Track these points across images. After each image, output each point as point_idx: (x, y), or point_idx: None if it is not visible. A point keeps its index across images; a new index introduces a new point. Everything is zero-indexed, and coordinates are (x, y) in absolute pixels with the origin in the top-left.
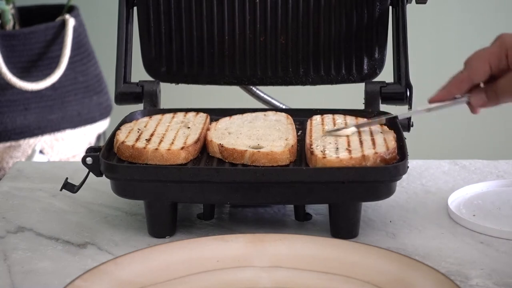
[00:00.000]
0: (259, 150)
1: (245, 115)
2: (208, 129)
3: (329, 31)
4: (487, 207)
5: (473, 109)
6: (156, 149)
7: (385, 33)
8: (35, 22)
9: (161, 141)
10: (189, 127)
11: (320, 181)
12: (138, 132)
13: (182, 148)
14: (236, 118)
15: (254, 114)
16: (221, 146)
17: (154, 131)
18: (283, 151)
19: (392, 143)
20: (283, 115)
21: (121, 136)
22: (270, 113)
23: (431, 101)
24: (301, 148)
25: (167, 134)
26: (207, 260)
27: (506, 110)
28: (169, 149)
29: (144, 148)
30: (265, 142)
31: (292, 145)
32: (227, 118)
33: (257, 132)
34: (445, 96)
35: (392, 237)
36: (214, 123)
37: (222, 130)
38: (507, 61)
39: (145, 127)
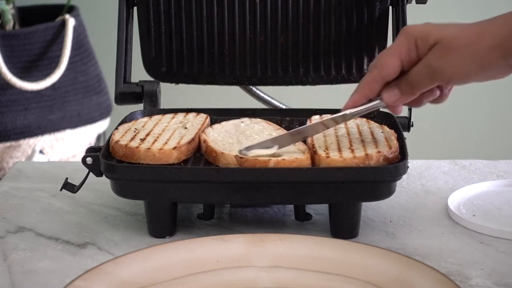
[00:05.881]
0: (283, 158)
1: (242, 124)
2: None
3: (329, 31)
4: (487, 207)
5: (392, 109)
6: (149, 148)
7: (385, 33)
8: (35, 22)
9: (155, 140)
10: (186, 128)
11: (320, 181)
12: (134, 132)
13: (174, 148)
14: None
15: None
16: (238, 157)
17: (151, 131)
18: (306, 157)
19: (394, 142)
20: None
21: (116, 135)
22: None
23: (344, 108)
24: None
25: (162, 134)
26: (207, 260)
27: (506, 110)
28: (161, 149)
29: (137, 147)
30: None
31: (308, 151)
32: (237, 121)
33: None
34: (359, 100)
35: (392, 237)
36: (217, 125)
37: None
38: (416, 50)
39: (143, 127)
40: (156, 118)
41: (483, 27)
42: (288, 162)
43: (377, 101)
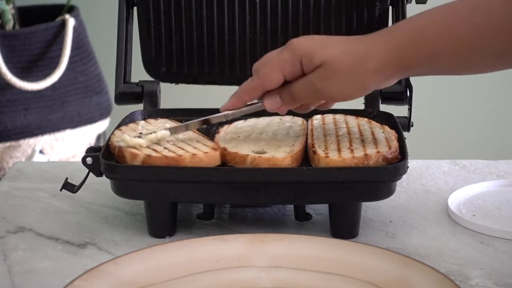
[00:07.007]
0: (260, 155)
1: (261, 118)
2: (217, 132)
3: (329, 31)
4: (487, 207)
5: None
6: (194, 154)
7: None
8: (35, 22)
9: (179, 147)
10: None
11: (320, 181)
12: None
13: (216, 150)
14: (251, 121)
15: (270, 118)
16: (224, 149)
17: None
18: (285, 157)
19: (394, 142)
20: (299, 119)
21: (129, 145)
22: (287, 117)
23: (223, 109)
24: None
25: (176, 141)
26: (207, 260)
27: (506, 110)
28: (207, 152)
29: (180, 155)
30: (270, 148)
31: (296, 152)
32: (241, 121)
33: (266, 137)
34: (236, 104)
35: (392, 237)
36: (226, 126)
37: (231, 134)
38: (301, 67)
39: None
40: (141, 123)
41: (367, 47)
42: (264, 160)
43: (259, 105)
